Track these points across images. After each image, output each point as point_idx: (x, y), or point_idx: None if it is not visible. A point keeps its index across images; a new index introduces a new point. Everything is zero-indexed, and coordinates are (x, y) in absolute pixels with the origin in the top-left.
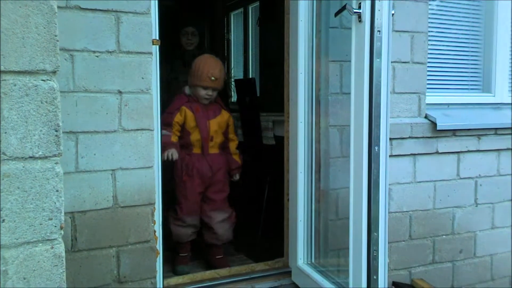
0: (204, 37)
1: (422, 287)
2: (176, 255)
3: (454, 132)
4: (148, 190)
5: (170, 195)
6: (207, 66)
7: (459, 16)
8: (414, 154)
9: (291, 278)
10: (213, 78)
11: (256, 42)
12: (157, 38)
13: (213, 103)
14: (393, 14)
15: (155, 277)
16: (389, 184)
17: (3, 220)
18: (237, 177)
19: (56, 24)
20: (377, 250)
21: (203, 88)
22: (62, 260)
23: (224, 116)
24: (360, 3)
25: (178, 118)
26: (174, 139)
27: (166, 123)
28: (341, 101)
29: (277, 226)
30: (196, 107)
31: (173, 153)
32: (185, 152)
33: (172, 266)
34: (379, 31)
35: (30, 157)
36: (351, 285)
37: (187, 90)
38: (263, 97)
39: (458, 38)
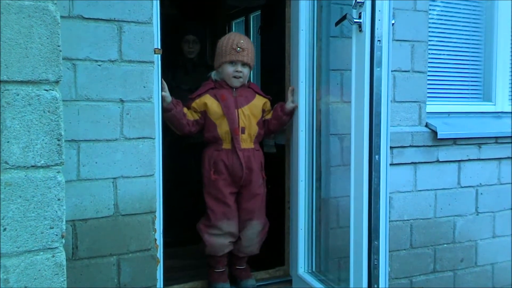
0: (206, 46)
1: None
2: (209, 269)
3: (454, 141)
4: (149, 198)
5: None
6: (232, 38)
7: (459, 25)
8: (415, 163)
9: (291, 286)
10: (239, 48)
11: (258, 51)
12: (159, 47)
13: (245, 88)
14: (393, 23)
15: (155, 285)
16: (390, 193)
17: (5, 229)
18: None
19: (59, 34)
20: (377, 259)
21: (230, 63)
22: (63, 268)
23: (260, 100)
24: (360, 13)
25: (196, 103)
26: (185, 110)
27: (186, 107)
28: (342, 110)
29: (278, 234)
30: (221, 94)
31: (165, 92)
32: (213, 148)
33: (206, 284)
34: (379, 40)
35: (32, 166)
36: None
37: (213, 75)
38: None
39: (458, 47)
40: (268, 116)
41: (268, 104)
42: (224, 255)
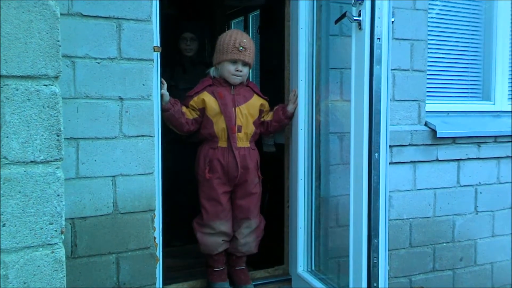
0: (204, 45)
1: None
2: (208, 269)
3: (454, 140)
4: (148, 196)
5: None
6: (234, 36)
7: (458, 24)
8: (414, 162)
9: (291, 285)
10: (241, 47)
11: (257, 50)
12: (158, 45)
13: (244, 86)
14: (392, 21)
15: (154, 284)
16: (389, 192)
17: (4, 224)
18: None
19: (58, 29)
20: (377, 257)
21: (231, 62)
22: (62, 265)
23: (257, 100)
24: (360, 10)
25: (194, 101)
26: (184, 108)
27: (184, 105)
28: (341, 108)
29: (277, 233)
30: (219, 92)
31: (164, 90)
32: (208, 146)
33: (206, 282)
34: (379, 38)
35: (32, 162)
36: None
37: (212, 72)
38: None
39: (457, 46)
40: (268, 118)
41: (266, 105)
42: (221, 254)
